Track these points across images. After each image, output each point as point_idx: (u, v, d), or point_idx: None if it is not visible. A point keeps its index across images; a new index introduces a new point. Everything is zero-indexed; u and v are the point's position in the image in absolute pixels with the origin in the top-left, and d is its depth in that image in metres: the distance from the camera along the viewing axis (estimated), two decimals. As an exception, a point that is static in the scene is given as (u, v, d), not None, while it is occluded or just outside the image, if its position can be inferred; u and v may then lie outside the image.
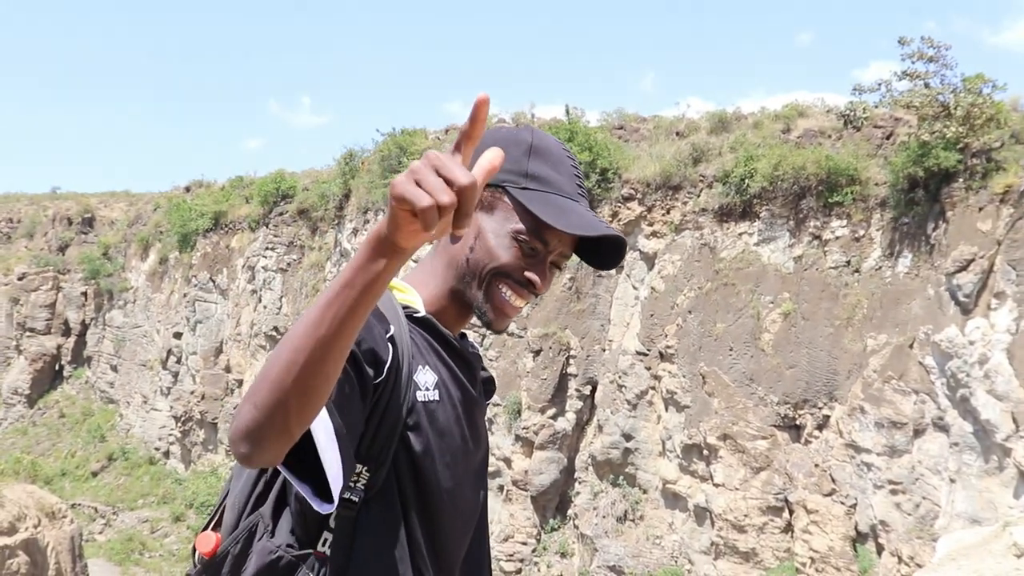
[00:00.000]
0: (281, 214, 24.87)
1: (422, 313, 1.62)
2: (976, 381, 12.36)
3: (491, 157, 1.14)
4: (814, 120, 16.43)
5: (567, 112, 18.83)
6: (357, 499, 1.48)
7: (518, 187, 1.60)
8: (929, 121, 13.28)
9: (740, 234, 15.82)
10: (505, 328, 1.67)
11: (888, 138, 14.94)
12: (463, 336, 1.77)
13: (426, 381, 1.55)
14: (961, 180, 13.13)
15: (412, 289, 1.67)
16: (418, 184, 1.05)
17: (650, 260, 17.07)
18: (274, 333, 24.01)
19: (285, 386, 1.16)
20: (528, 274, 1.61)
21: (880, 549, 13.53)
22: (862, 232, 14.53)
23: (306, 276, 23.40)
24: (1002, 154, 12.91)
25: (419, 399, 1.53)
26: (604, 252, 1.68)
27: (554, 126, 17.86)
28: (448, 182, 1.06)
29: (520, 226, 1.58)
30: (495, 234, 1.60)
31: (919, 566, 11.74)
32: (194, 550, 1.64)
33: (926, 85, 13.60)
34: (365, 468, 1.48)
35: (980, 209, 12.86)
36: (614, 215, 17.16)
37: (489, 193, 1.61)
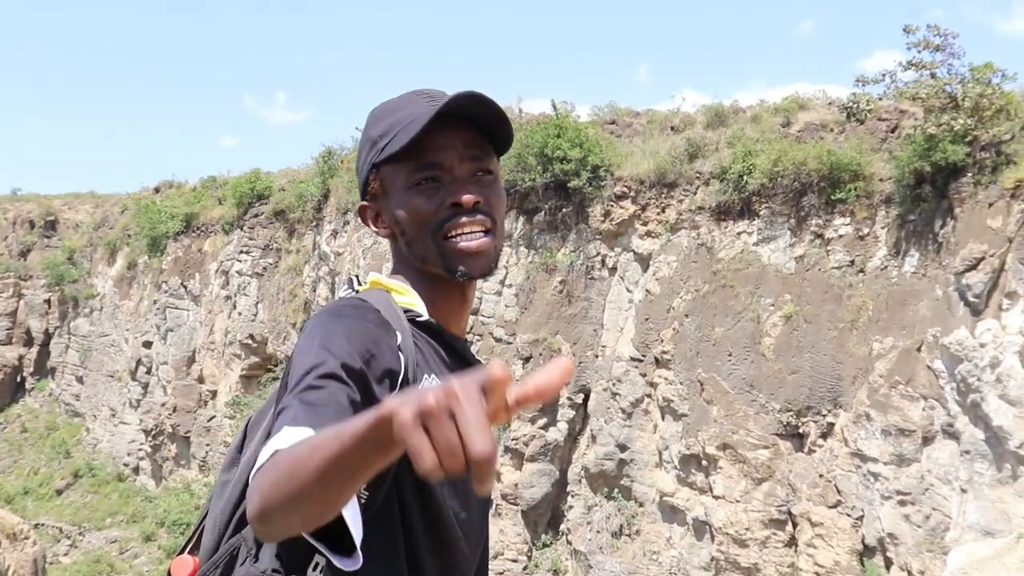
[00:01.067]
0: (256, 216, 24.72)
1: (425, 317, 1.59)
2: (987, 386, 12.30)
3: (542, 384, 1.02)
4: (815, 113, 16.42)
5: (553, 107, 18.76)
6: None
7: (378, 153, 1.61)
8: (936, 113, 13.23)
9: (739, 233, 15.79)
10: (484, 270, 1.61)
11: (893, 131, 14.93)
12: (465, 341, 1.74)
13: None
14: (970, 175, 13.10)
15: (411, 291, 1.63)
16: (427, 430, 0.92)
17: (644, 261, 17.02)
18: (249, 341, 23.90)
19: (303, 510, 1.13)
20: (451, 200, 1.56)
21: (888, 563, 13.48)
22: (866, 230, 14.51)
23: (283, 280, 23.27)
24: (1012, 147, 12.90)
25: None
26: (497, 123, 1.61)
27: (542, 121, 17.83)
28: (464, 444, 0.91)
29: (406, 176, 1.58)
30: (401, 202, 1.59)
31: (930, 581, 11.79)
32: (169, 574, 1.62)
33: (932, 75, 13.56)
34: (363, 487, 1.40)
35: (990, 205, 12.83)
36: (606, 214, 17.12)
37: (372, 183, 1.64)
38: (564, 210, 17.45)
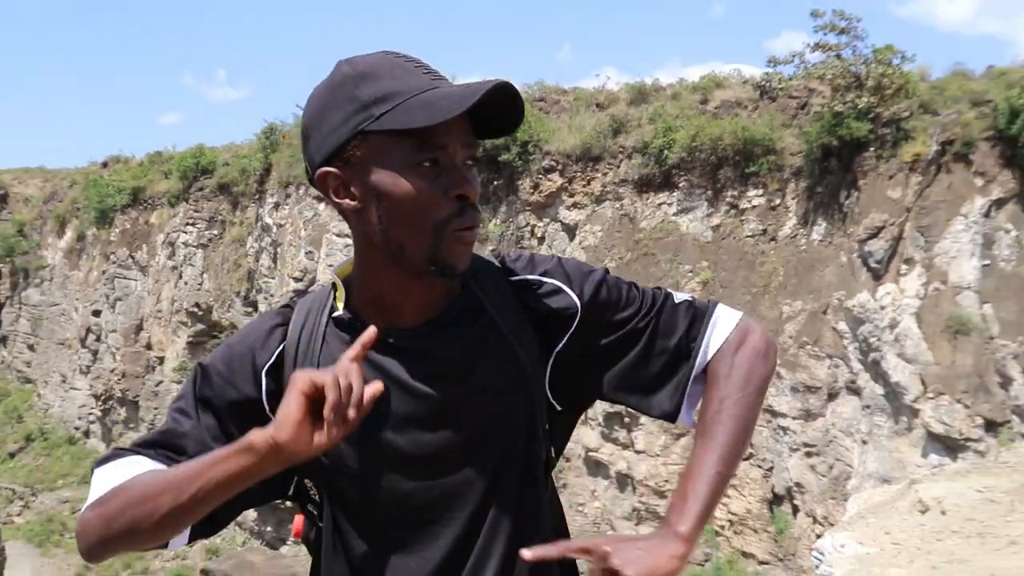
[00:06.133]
0: (201, 189, 23.97)
1: (338, 312, 1.36)
2: (887, 345, 12.42)
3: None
4: (731, 91, 16.27)
5: (483, 87, 18.34)
6: (317, 512, 1.40)
7: (372, 120, 1.23)
8: (842, 92, 13.23)
9: (659, 204, 15.63)
10: (466, 267, 1.31)
11: (802, 108, 14.86)
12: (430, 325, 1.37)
13: None
14: (872, 149, 13.15)
15: (340, 283, 1.40)
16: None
17: (571, 231, 16.84)
18: (195, 309, 23.29)
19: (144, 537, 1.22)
20: (455, 192, 1.25)
21: (795, 510, 13.56)
22: (778, 201, 14.44)
23: (227, 251, 22.68)
24: (911, 123, 12.94)
25: None
26: (503, 111, 1.29)
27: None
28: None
29: (408, 154, 1.24)
30: (395, 180, 1.24)
31: (832, 525, 11.80)
32: None
33: (838, 56, 13.57)
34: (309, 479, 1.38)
35: (890, 177, 12.90)
36: (535, 187, 16.86)
37: (352, 149, 1.25)
38: (495, 183, 17.15)
